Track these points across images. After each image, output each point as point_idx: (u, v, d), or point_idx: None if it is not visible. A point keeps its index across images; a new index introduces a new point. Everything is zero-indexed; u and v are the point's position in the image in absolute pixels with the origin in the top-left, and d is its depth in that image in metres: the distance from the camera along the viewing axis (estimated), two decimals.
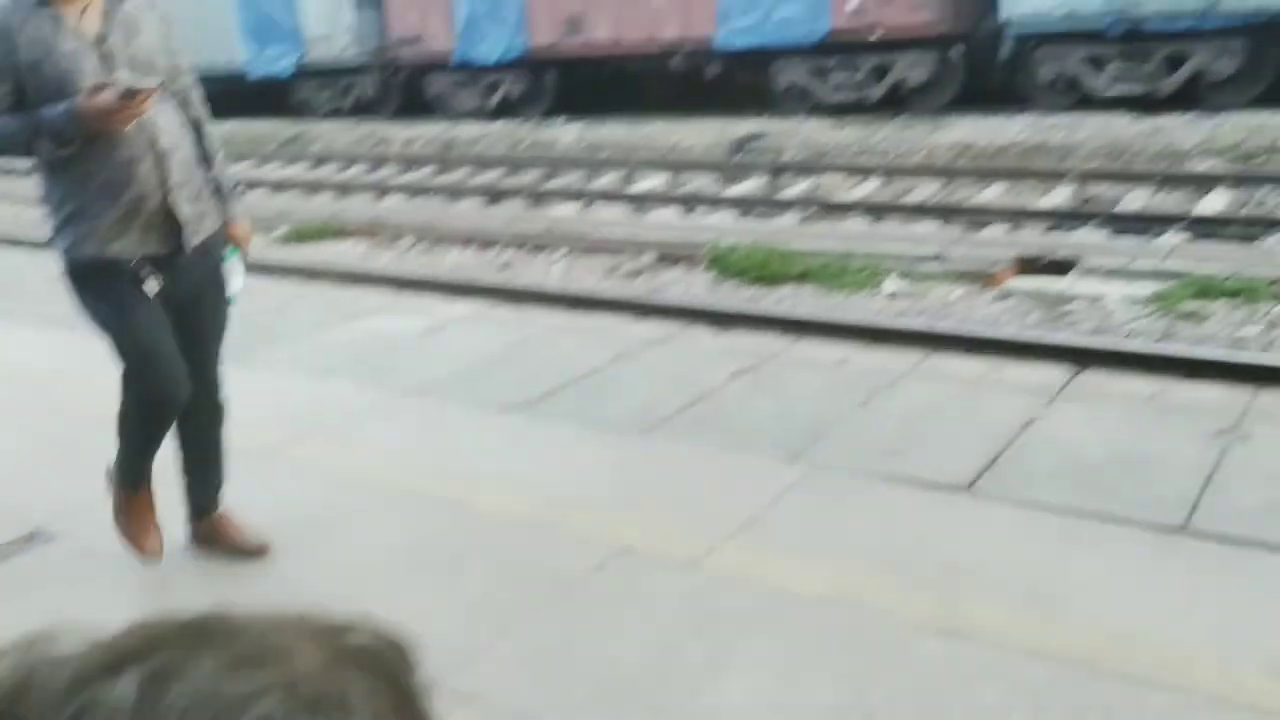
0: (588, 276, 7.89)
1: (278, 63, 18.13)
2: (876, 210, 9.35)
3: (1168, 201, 8.99)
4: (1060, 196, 9.36)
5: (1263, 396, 3.74)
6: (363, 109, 18.07)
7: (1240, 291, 5.94)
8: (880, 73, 13.35)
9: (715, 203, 10.30)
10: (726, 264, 7.55)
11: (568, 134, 14.78)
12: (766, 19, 13.53)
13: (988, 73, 13.03)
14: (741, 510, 3.20)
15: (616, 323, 5.66)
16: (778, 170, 11.46)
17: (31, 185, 10.56)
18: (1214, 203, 8.65)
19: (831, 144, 12.15)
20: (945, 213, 9.07)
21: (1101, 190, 9.49)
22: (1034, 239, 7.87)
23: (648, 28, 14.70)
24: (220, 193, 2.90)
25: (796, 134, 12.77)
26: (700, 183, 11.58)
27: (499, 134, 15.49)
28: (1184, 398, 3.80)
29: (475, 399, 4.34)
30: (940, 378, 4.18)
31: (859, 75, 13.46)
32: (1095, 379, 4.11)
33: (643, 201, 10.70)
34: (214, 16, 17.48)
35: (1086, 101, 12.00)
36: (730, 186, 11.21)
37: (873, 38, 13.01)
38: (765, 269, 7.35)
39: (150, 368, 2.77)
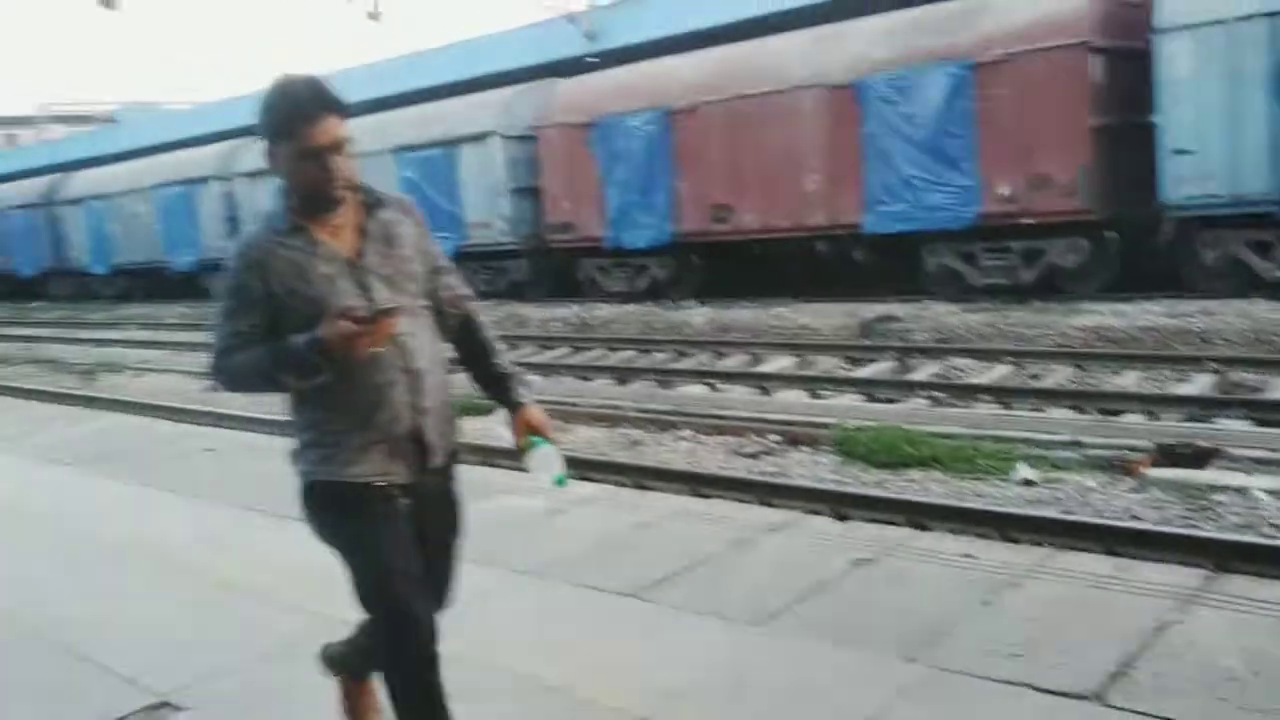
0: (712, 456, 7.94)
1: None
2: (1008, 394, 9.22)
3: None
4: (1201, 383, 9.07)
5: None
6: (516, 291, 19.11)
7: None
8: (1031, 256, 13.35)
9: (842, 384, 10.33)
10: (853, 446, 7.51)
11: (699, 315, 15.14)
12: (917, 204, 13.79)
13: (1147, 256, 12.89)
14: (856, 712, 3.11)
15: (738, 508, 5.67)
16: (906, 351, 11.45)
17: (192, 359, 11.27)
18: None
19: (961, 326, 12.12)
20: (1079, 398, 8.88)
21: (1245, 376, 9.16)
22: (1173, 427, 7.60)
23: (795, 215, 15.16)
24: (504, 382, 2.77)
25: (925, 317, 12.78)
26: (827, 364, 11.65)
27: (632, 315, 15.97)
28: None
29: (592, 581, 4.38)
30: (1069, 575, 4.03)
31: (1010, 259, 13.49)
32: (1238, 581, 3.90)
33: (770, 381, 10.81)
34: None
35: (1255, 285, 11.70)
36: (858, 368, 11.24)
37: (1026, 221, 13.11)
38: (893, 452, 7.28)
39: (391, 594, 2.56)
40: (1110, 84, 12.60)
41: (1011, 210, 13.17)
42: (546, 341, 15.02)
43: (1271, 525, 5.53)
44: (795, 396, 10.11)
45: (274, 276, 2.47)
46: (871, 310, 13.63)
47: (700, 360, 12.74)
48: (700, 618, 3.93)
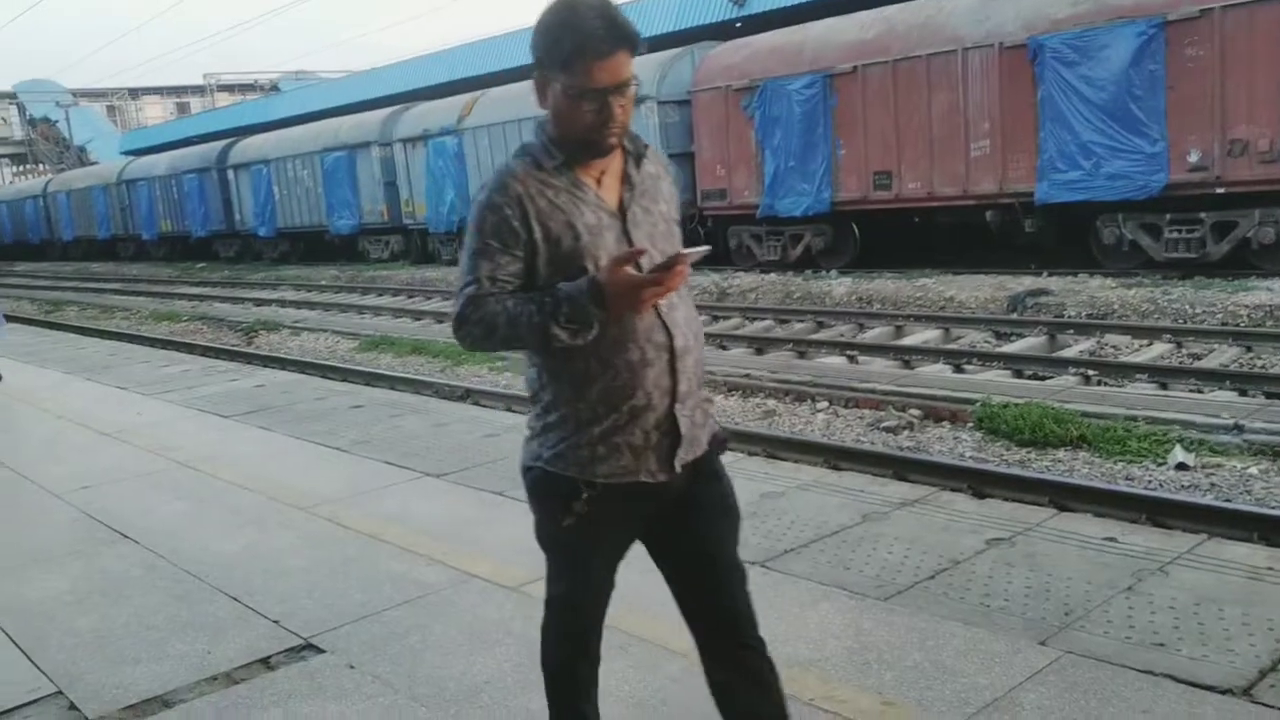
0: (849, 430, 7.82)
1: None
2: (1166, 374, 8.77)
3: None
4: None
5: None
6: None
7: None
8: (1223, 230, 12.55)
9: (988, 359, 10.01)
10: (996, 423, 7.28)
11: (840, 286, 14.89)
12: (1096, 172, 13.10)
13: None
14: (982, 693, 3.03)
15: (872, 481, 5.56)
16: (1058, 328, 11.01)
17: (344, 320, 11.71)
18: None
19: (1118, 302, 11.58)
20: (1244, 380, 8.38)
21: None
22: None
23: (962, 181, 14.67)
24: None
25: (1080, 292, 12.26)
26: (973, 338, 11.31)
27: (772, 284, 15.82)
28: None
29: None
30: (1220, 564, 3.81)
31: (1199, 232, 12.70)
32: None
33: (912, 355, 10.56)
34: None
35: None
36: (1005, 343, 10.87)
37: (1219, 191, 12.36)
38: (1038, 430, 7.02)
39: (577, 622, 2.39)
40: None
41: (1204, 180, 12.37)
42: None
43: None
44: (938, 371, 9.84)
45: (537, 217, 2.13)
46: (1021, 284, 13.15)
47: (840, 331, 12.54)
48: (826, 589, 3.89)
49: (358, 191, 26.77)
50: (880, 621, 3.58)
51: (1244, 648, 3.17)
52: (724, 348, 11.94)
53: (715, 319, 14.12)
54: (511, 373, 10.35)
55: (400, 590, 4.18)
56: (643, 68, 19.27)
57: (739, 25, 21.22)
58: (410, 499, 5.52)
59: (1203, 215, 12.59)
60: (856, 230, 16.69)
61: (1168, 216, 12.89)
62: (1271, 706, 2.85)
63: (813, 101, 16.18)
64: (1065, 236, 14.27)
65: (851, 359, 10.75)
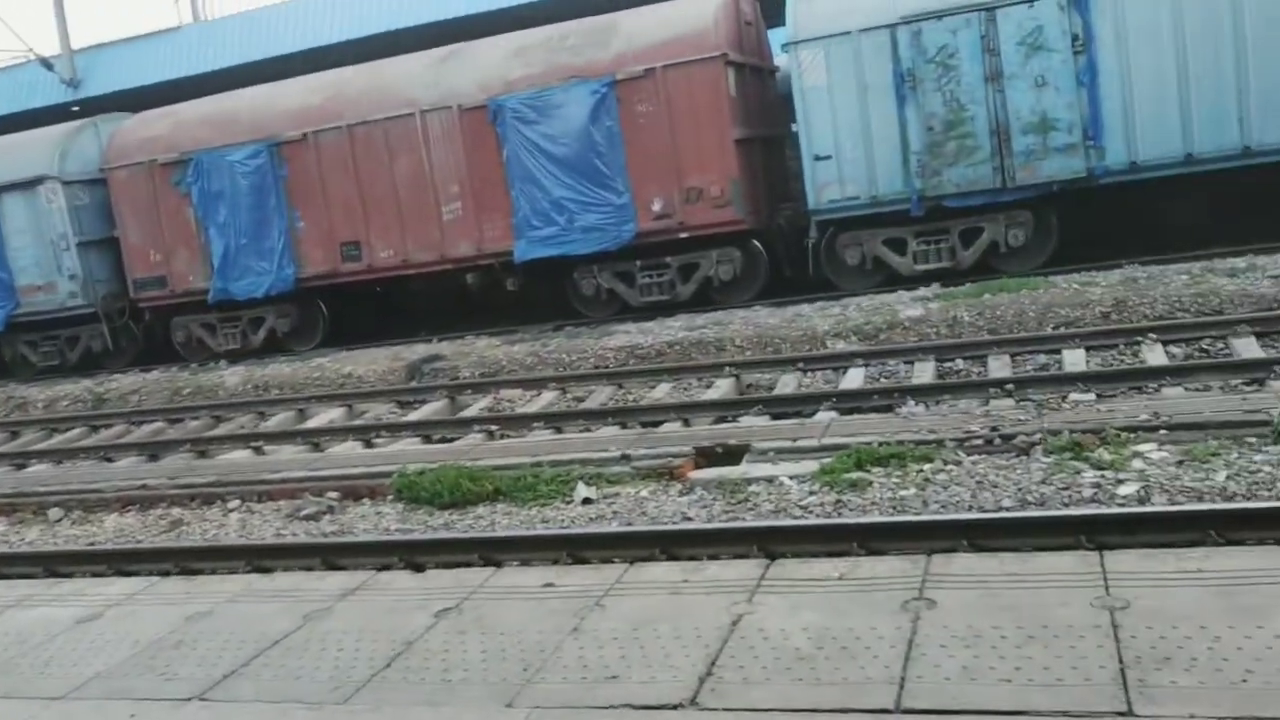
0: (268, 525, 7.41)
1: None
2: (558, 419, 9.53)
3: (816, 381, 9.80)
4: (723, 387, 9.96)
5: (935, 561, 4.01)
6: (91, 362, 16.61)
7: (891, 457, 6.46)
8: (688, 271, 13.72)
9: (397, 430, 10.12)
10: (416, 491, 7.36)
11: (232, 376, 14.15)
12: (571, 226, 13.60)
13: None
14: None
15: (306, 577, 5.28)
16: (456, 390, 11.48)
17: None
18: (854, 378, 9.51)
19: (505, 359, 12.36)
20: (622, 414, 9.38)
21: (758, 377, 10.20)
22: (705, 430, 8.25)
23: (439, 246, 14.41)
24: None
25: (470, 353, 12.91)
26: (379, 411, 11.38)
27: (156, 382, 14.58)
28: (868, 572, 4.00)
29: (144, 692, 3.83)
30: (645, 587, 4.17)
31: (668, 275, 13.74)
32: (789, 565, 4.25)
33: (320, 437, 10.33)
34: None
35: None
36: (410, 411, 11.08)
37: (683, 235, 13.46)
38: (457, 491, 7.22)
39: None
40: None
41: (670, 226, 13.39)
42: (56, 424, 13.27)
43: (800, 507, 6.14)
44: (349, 448, 9.73)
45: None
46: (415, 352, 13.51)
47: (241, 423, 11.90)
48: (280, 707, 3.57)
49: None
50: None
51: (681, 661, 3.47)
52: (109, 460, 10.72)
53: (94, 429, 12.65)
54: None
55: None
56: (37, 144, 16.57)
57: (76, 109, 19.43)
58: None
59: (669, 260, 13.69)
60: (324, 307, 15.69)
61: (638, 263, 13.80)
62: (713, 709, 3.14)
63: (260, 172, 15.01)
64: (552, 290, 14.66)
65: (258, 450, 10.22)
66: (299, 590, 4.84)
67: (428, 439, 9.72)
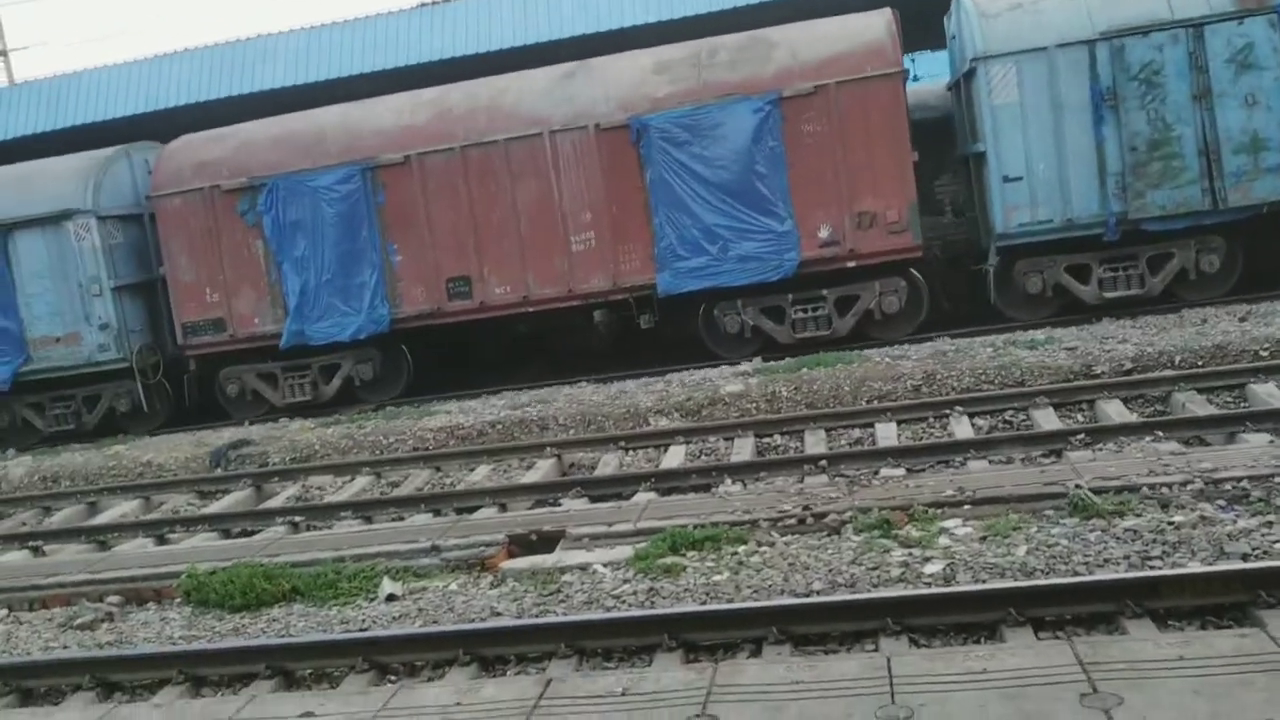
0: (36, 638, 6.71)
1: None
2: (367, 507, 9.09)
3: (638, 460, 9.68)
4: (544, 468, 9.72)
5: (722, 670, 3.84)
6: (116, 425, 14.47)
7: (706, 540, 6.34)
8: (846, 305, 12.76)
9: (193, 523, 9.46)
10: (205, 593, 6.83)
11: (18, 467, 13.05)
12: (724, 256, 12.63)
13: None
14: None
15: (73, 702, 4.72)
16: (263, 478, 10.86)
17: None
18: (675, 456, 9.43)
19: (318, 442, 11.80)
20: (437, 500, 9.02)
21: (580, 457, 10.00)
22: (522, 516, 7.97)
23: (566, 279, 13.18)
24: None
25: (282, 437, 12.29)
26: (177, 502, 10.66)
27: None
28: (652, 686, 3.79)
29: None
30: (413, 715, 3.83)
31: (824, 310, 12.74)
32: (569, 683, 3.99)
33: (108, 534, 9.55)
34: None
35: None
36: (211, 503, 10.41)
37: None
38: (249, 592, 6.72)
39: None
40: None
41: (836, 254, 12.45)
42: None
43: (612, 596, 5.92)
44: (139, 546, 8.99)
45: None
46: (222, 437, 12.78)
47: (22, 520, 10.93)
48: None
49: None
50: None
51: None
52: None
53: None
54: None
55: None
56: (60, 174, 14.30)
57: None
58: None
59: (824, 292, 12.63)
60: (409, 355, 13.96)
61: (790, 296, 12.69)
62: None
63: (351, 199, 13.31)
64: (673, 330, 13.41)
65: (36, 550, 9.35)
66: (69, 714, 4.31)
67: (226, 533, 9.10)
